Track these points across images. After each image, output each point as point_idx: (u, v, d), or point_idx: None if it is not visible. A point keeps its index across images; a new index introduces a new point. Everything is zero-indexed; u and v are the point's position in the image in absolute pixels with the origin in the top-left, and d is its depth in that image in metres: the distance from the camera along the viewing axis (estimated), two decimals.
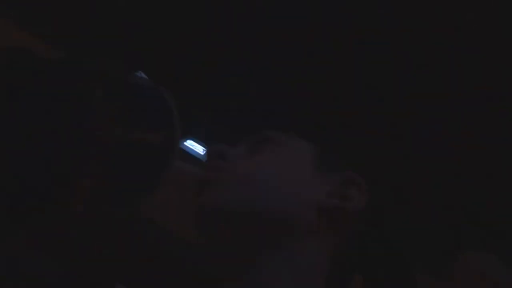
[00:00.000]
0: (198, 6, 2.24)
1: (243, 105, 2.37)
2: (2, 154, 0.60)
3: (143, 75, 2.38)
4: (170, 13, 2.28)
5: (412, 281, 0.68)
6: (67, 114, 0.62)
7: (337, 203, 0.66)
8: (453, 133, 2.22)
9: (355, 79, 2.21)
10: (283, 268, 0.64)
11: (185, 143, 2.61)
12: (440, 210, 2.29)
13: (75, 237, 0.65)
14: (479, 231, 2.18)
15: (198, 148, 2.67)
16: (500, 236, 2.15)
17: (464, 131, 2.19)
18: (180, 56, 2.38)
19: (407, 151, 2.30)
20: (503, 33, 1.94)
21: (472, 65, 2.05)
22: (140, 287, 1.79)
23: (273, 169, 0.68)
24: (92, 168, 0.62)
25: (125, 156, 0.63)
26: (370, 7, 2.01)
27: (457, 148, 2.24)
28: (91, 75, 0.65)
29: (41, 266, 0.62)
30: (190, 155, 2.59)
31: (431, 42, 2.03)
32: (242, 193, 0.66)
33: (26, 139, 0.59)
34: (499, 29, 1.94)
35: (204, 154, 2.34)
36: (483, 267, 1.81)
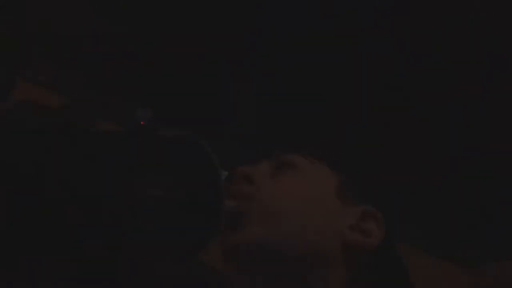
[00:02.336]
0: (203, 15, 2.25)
1: (254, 122, 2.37)
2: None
3: (148, 111, 2.37)
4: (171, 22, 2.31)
5: None
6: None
7: (359, 239, 0.68)
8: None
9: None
10: None
11: None
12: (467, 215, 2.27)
13: None
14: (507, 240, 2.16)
15: None
16: None
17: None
18: (181, 71, 2.39)
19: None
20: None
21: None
22: None
23: (302, 199, 0.69)
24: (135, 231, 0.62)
25: (169, 216, 0.62)
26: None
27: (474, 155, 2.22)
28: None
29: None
30: None
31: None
32: (275, 228, 0.66)
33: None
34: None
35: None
36: None
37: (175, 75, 2.35)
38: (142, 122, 2.41)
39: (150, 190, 0.60)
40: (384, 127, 2.21)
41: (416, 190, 2.23)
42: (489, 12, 1.93)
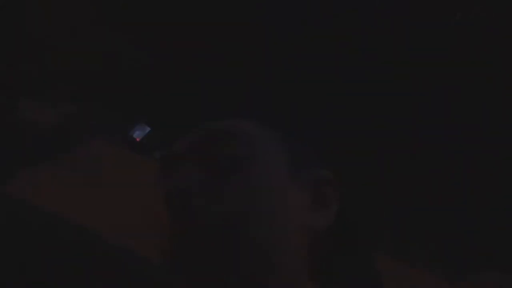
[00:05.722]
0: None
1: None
2: None
3: (144, 129, 2.38)
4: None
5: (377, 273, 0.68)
6: None
7: (320, 218, 0.64)
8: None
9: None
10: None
11: None
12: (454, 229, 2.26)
13: None
14: (494, 252, 2.15)
15: None
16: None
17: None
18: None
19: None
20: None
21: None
22: None
23: (254, 206, 0.61)
24: None
25: None
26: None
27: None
28: None
29: None
30: None
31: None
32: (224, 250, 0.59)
33: None
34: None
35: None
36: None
37: (169, 92, 2.36)
38: (137, 139, 2.41)
39: None
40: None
41: (400, 205, 2.22)
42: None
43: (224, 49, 2.20)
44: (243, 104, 2.20)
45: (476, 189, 2.17)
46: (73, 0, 2.39)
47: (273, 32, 2.16)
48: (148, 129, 2.39)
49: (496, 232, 2.14)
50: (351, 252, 0.68)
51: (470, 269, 2.07)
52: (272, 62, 2.21)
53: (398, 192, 2.20)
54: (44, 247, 1.75)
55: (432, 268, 2.07)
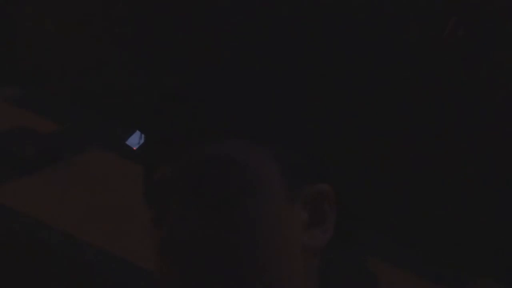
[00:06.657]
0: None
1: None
2: None
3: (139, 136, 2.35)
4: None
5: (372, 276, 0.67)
6: None
7: (320, 236, 0.62)
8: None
9: None
10: None
11: None
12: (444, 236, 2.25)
13: None
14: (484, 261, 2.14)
15: None
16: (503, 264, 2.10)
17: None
18: None
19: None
20: None
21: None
22: None
23: (252, 240, 0.60)
24: None
25: None
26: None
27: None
28: None
29: None
30: None
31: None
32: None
33: None
34: None
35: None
36: None
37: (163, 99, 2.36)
38: (134, 148, 2.39)
39: None
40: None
41: (397, 210, 2.21)
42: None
43: (216, 58, 2.21)
44: (233, 118, 2.20)
45: (474, 194, 2.16)
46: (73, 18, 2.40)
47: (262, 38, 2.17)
48: (144, 137, 2.38)
49: (494, 239, 2.14)
50: (346, 257, 0.67)
51: (467, 276, 2.06)
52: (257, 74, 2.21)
53: (394, 197, 2.19)
54: (37, 258, 1.74)
55: (427, 274, 2.06)
